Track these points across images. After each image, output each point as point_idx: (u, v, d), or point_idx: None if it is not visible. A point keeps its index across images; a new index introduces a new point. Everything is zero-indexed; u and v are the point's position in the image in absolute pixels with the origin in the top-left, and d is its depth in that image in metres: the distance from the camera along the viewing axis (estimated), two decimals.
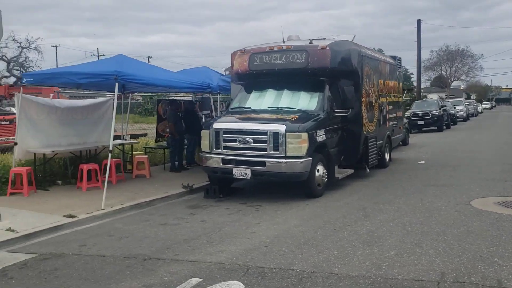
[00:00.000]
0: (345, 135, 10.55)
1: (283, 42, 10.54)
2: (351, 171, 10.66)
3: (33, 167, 10.22)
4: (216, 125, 9.43)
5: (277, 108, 9.78)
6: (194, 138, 13.86)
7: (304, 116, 9.30)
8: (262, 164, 8.82)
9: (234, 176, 9.14)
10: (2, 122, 16.49)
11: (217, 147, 9.33)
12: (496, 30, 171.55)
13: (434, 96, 57.51)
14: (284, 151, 8.71)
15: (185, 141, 13.70)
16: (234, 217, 7.93)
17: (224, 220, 7.74)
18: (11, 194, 9.61)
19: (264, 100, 10.20)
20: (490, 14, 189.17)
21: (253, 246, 6.17)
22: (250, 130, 9.02)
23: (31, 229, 7.20)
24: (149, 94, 24.99)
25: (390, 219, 7.33)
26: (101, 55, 70.03)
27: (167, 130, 14.53)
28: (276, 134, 8.75)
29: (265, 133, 8.84)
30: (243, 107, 10.24)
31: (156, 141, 14.68)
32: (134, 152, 13.02)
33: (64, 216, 7.95)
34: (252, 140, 8.94)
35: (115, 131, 13.45)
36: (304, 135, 8.77)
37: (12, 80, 42.12)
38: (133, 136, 16.86)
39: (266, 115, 9.58)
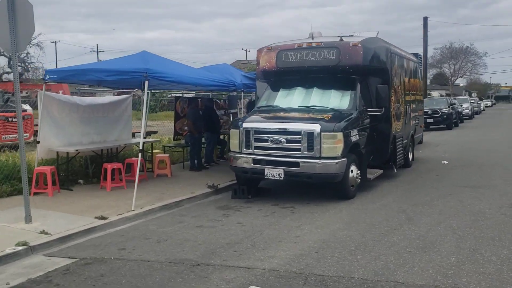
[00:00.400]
0: (374, 135, 10.31)
1: (312, 38, 10.30)
2: (380, 171, 10.45)
3: (55, 166, 9.95)
4: (246, 124, 9.18)
5: (308, 106, 9.53)
6: (213, 136, 13.66)
7: (337, 115, 9.06)
8: (296, 164, 8.59)
9: (266, 177, 8.90)
10: (14, 119, 16.17)
11: (248, 146, 9.09)
12: (494, 28, 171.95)
13: (435, 94, 57.35)
14: (319, 151, 8.48)
15: (203, 139, 13.46)
16: (270, 219, 7.70)
17: (262, 222, 7.51)
18: (35, 194, 9.34)
19: (293, 98, 9.94)
20: (487, 12, 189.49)
21: (303, 252, 5.94)
22: (282, 130, 8.78)
23: (65, 232, 6.95)
24: (157, 91, 24.58)
25: (436, 223, 7.11)
26: (100, 51, 69.81)
27: (185, 128, 14.29)
28: (310, 134, 8.51)
29: (299, 133, 8.61)
30: (271, 106, 9.99)
31: (174, 139, 14.42)
32: (154, 151, 12.75)
33: (96, 217, 7.71)
34: (285, 140, 8.71)
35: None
36: (340, 135, 8.54)
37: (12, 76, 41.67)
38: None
39: (296, 114, 9.34)
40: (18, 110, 7.38)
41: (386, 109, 10.29)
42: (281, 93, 10.26)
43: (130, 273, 5.44)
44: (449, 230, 6.68)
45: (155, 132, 19.92)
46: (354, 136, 9.06)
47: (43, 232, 6.83)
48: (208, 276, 5.23)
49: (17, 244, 6.26)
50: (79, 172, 10.98)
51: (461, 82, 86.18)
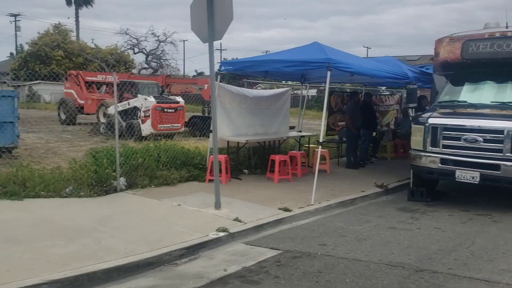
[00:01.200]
0: None
1: (506, 27, 9.19)
2: None
3: (227, 155, 10.04)
4: (433, 120, 8.41)
5: (503, 103, 8.48)
6: (369, 133, 13.04)
7: None
8: (496, 167, 7.64)
9: (456, 179, 8.06)
10: (168, 110, 16.97)
11: (434, 145, 8.32)
12: None
13: None
14: None
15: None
16: (472, 227, 6.91)
17: (464, 230, 6.74)
18: (209, 181, 9.48)
19: (483, 93, 8.95)
20: None
21: None
22: (479, 127, 7.89)
23: (257, 221, 6.83)
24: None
25: None
26: (224, 50, 72.85)
27: (339, 123, 13.84)
28: None
29: (501, 132, 7.65)
30: (456, 101, 9.09)
31: (326, 134, 14.03)
32: (311, 146, 12.44)
33: (280, 209, 7.52)
34: (482, 139, 7.80)
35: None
36: None
37: (149, 71, 44.59)
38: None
39: (490, 111, 8.35)
40: (213, 104, 7.36)
41: None
42: (467, 87, 9.31)
43: (349, 272, 5.05)
44: None
45: (293, 127, 19.79)
46: None
47: (236, 219, 6.76)
48: (445, 285, 4.65)
49: (218, 230, 6.23)
50: (243, 162, 11.03)
51: None
